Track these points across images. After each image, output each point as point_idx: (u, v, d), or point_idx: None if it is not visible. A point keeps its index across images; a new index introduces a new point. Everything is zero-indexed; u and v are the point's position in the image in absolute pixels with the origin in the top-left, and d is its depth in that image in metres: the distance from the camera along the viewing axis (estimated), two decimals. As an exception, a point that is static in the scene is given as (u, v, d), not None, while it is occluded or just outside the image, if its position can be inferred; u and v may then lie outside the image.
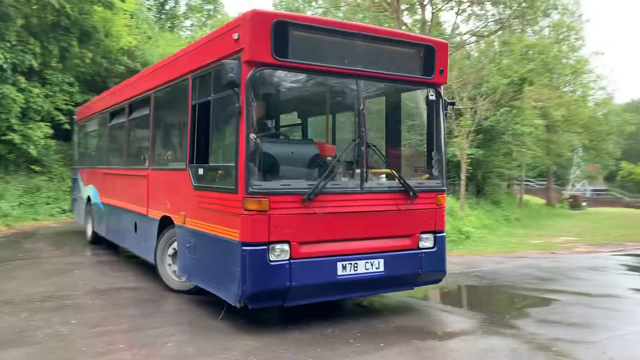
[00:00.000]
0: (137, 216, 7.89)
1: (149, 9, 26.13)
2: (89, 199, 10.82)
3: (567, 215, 28.50)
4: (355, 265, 5.47)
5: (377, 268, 5.57)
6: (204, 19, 32.68)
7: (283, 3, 27.06)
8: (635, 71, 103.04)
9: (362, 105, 5.52)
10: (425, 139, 6.33)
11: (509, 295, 7.30)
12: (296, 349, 4.73)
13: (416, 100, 6.53)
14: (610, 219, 25.62)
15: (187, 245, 6.15)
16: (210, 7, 32.99)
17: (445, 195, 6.14)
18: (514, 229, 20.98)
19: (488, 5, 20.22)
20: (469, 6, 17.32)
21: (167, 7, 30.93)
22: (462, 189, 19.71)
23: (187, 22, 32.89)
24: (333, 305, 6.27)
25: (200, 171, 5.97)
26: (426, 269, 5.91)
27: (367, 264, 5.52)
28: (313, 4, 25.35)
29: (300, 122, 8.37)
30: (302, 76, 5.56)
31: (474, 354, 4.71)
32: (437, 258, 6.02)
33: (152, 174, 7.50)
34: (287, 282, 5.10)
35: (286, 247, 5.13)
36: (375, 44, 5.67)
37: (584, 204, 38.20)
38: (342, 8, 22.96)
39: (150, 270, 7.55)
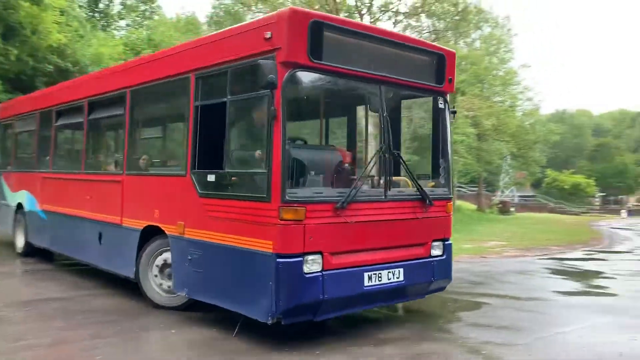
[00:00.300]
0: (103, 226, 7.30)
1: (80, 6, 25.10)
2: (19, 206, 10.04)
3: (497, 220, 29.63)
4: (380, 275, 5.34)
5: (397, 278, 5.48)
6: (139, 19, 31.72)
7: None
8: (559, 83, 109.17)
9: (385, 112, 5.42)
10: (431, 146, 6.29)
11: (442, 300, 7.48)
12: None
13: (424, 108, 6.51)
14: (536, 224, 26.88)
15: (189, 258, 5.72)
16: (147, 7, 32.08)
17: (452, 202, 6.18)
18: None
19: (423, 17, 20.82)
20: (405, 17, 17.76)
21: (100, 6, 29.80)
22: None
23: (122, 22, 31.81)
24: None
25: (211, 177, 5.56)
26: (437, 277, 5.91)
27: (389, 273, 5.41)
28: (253, 7, 25.19)
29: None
30: (330, 79, 5.32)
31: (409, 358, 4.79)
32: (446, 266, 6.05)
33: (128, 180, 6.93)
34: (320, 295, 4.87)
35: (319, 258, 4.89)
36: (398, 50, 5.64)
37: (512, 209, 39.86)
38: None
39: (90, 277, 7.19)
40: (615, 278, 9.93)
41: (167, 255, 6.20)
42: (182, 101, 6.05)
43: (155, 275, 6.36)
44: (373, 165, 5.47)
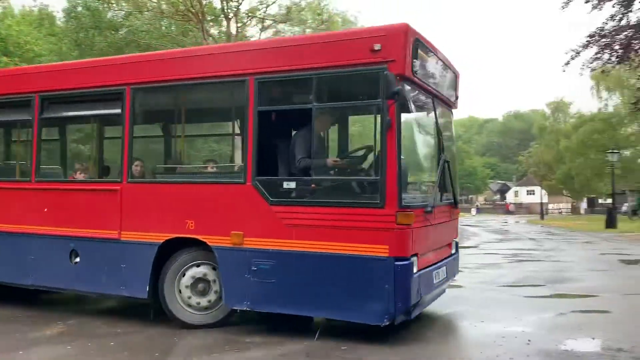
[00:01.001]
0: (79, 242, 6.42)
1: None
2: None
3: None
4: (438, 273, 5.90)
5: (444, 275, 6.12)
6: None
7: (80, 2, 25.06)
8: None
9: (439, 125, 5.97)
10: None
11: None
12: None
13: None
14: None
15: (253, 269, 5.51)
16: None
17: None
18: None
19: (287, 26, 21.26)
20: (272, 23, 18.03)
21: None
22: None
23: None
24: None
25: (289, 185, 5.55)
26: (454, 272, 6.72)
27: (441, 271, 5.99)
28: (114, 6, 24.00)
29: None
30: (414, 93, 5.54)
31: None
32: (457, 262, 6.92)
33: (131, 189, 6.24)
34: (419, 295, 5.26)
35: (416, 260, 5.22)
36: (443, 69, 6.24)
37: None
38: (145, 13, 22.13)
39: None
40: (462, 271, 10.91)
41: (199, 270, 5.91)
42: (230, 105, 6.11)
43: (180, 292, 5.93)
44: (441, 173, 5.89)
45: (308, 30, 25.55)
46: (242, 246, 5.59)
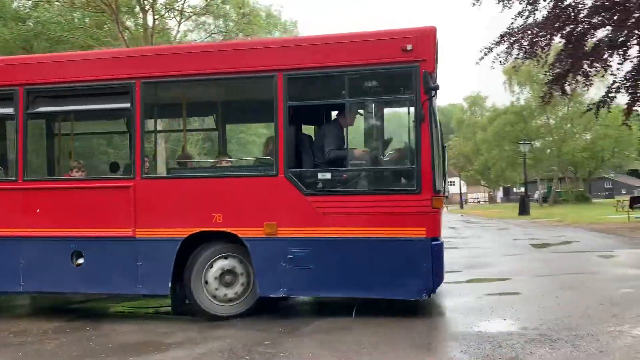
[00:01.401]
0: (83, 242, 6.17)
1: None
2: None
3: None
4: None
5: None
6: None
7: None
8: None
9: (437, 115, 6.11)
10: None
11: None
12: None
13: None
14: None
15: (289, 257, 5.77)
16: None
17: None
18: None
19: (211, 18, 20.87)
20: (190, 16, 17.60)
21: None
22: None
23: None
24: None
25: (324, 176, 5.87)
26: None
27: None
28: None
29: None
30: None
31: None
32: None
33: (145, 185, 6.15)
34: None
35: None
36: None
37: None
38: (55, 4, 20.95)
39: None
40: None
41: (227, 262, 6.04)
42: (263, 100, 6.15)
43: (207, 284, 6.02)
44: (443, 160, 6.23)
45: (230, 24, 25.22)
46: (277, 236, 5.82)
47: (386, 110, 6.68)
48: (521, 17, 16.67)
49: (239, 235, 5.91)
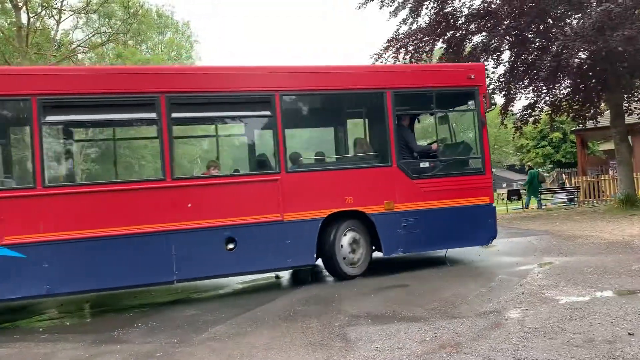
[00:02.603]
0: (236, 229, 7.24)
1: None
2: None
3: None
4: None
5: None
6: None
7: None
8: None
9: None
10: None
11: (118, 310, 7.30)
12: None
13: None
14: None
15: (403, 225, 7.99)
16: None
17: None
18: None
19: (96, 17, 19.77)
20: (71, 15, 16.59)
21: None
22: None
23: None
24: None
25: (424, 165, 8.29)
26: None
27: None
28: None
29: None
30: None
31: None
32: None
33: (290, 177, 7.60)
34: None
35: None
36: None
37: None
38: None
39: None
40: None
41: (353, 234, 7.91)
42: (376, 108, 8.19)
43: (342, 248, 7.82)
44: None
45: (117, 22, 24.06)
46: (393, 210, 7.99)
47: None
48: (405, 24, 17.54)
49: (366, 212, 7.90)
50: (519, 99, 18.01)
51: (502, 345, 4.46)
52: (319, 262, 8.08)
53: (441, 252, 9.66)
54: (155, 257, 7.00)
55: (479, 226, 8.41)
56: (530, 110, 17.84)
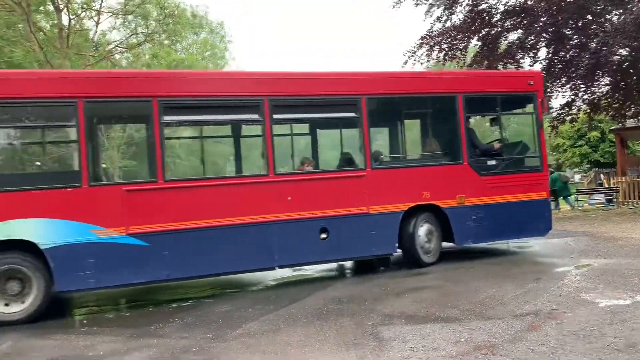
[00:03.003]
0: (329, 220, 7.95)
1: None
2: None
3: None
4: None
5: None
6: None
7: None
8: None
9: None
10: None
11: (155, 305, 7.44)
12: None
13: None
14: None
15: (473, 218, 8.78)
16: None
17: None
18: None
19: (131, 17, 20.17)
20: (110, 17, 16.98)
21: None
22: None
23: None
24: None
25: (491, 163, 9.01)
26: None
27: None
28: None
29: None
30: None
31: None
32: None
33: (375, 174, 8.32)
34: None
35: None
36: None
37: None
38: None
39: None
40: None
41: (428, 226, 8.62)
42: (449, 111, 8.89)
43: (427, 241, 8.60)
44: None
45: (153, 23, 24.52)
46: (464, 204, 8.72)
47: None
48: (439, 22, 17.35)
49: (441, 206, 8.63)
50: (556, 97, 17.59)
51: (540, 348, 4.39)
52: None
53: (476, 251, 9.54)
54: (260, 245, 7.65)
55: (538, 219, 9.24)
56: (567, 109, 17.44)
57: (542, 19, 15.57)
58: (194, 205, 7.36)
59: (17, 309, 6.57)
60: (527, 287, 6.75)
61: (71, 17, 14.67)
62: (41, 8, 14.73)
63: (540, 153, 9.39)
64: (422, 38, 17.41)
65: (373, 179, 8.29)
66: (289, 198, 7.79)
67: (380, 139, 10.04)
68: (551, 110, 17.48)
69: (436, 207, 8.61)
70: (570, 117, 17.78)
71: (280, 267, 7.92)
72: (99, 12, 15.23)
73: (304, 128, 9.99)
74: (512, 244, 10.46)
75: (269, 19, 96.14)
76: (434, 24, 17.48)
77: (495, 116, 9.37)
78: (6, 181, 7.10)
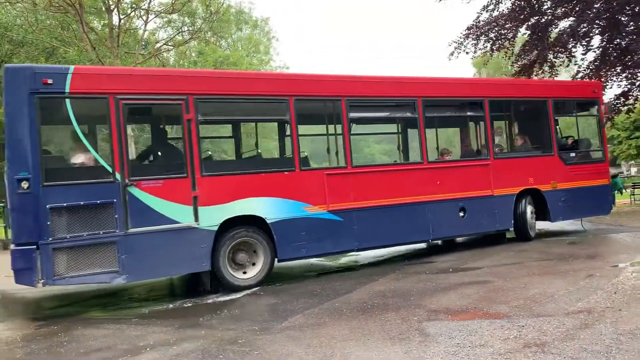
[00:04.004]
0: (466, 201, 9.78)
1: None
2: (238, 221, 7.77)
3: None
4: None
5: None
6: None
7: None
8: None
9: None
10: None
11: (203, 296, 7.59)
12: None
13: None
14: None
15: (562, 199, 10.86)
16: None
17: None
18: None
19: (176, 16, 20.52)
20: (156, 16, 17.36)
21: None
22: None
23: None
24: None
25: (572, 154, 11.24)
26: None
27: None
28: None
29: None
30: None
31: (167, 361, 4.78)
32: None
33: (496, 163, 10.34)
34: None
35: None
36: None
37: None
38: (18, 5, 20.41)
39: None
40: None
41: (531, 207, 10.66)
42: (542, 112, 11.04)
43: (526, 214, 10.54)
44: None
45: (199, 21, 25.00)
46: (557, 188, 10.83)
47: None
48: (486, 11, 16.93)
49: (541, 190, 10.67)
50: (611, 87, 16.87)
51: (593, 347, 4.23)
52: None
53: (527, 247, 9.27)
54: (420, 221, 9.32)
55: (603, 200, 11.50)
56: (623, 99, 16.70)
57: (595, 5, 14.94)
58: (373, 186, 8.93)
59: (250, 275, 7.88)
60: (580, 284, 6.52)
61: (121, 17, 15.11)
62: (93, 9, 15.22)
63: (603, 147, 11.88)
64: (468, 28, 17.06)
65: (495, 167, 10.26)
66: (438, 182, 9.53)
67: (496, 133, 11.93)
68: (605, 102, 17.24)
69: (537, 190, 10.62)
70: (626, 107, 17.03)
71: (433, 240, 9.75)
72: (147, 12, 15.61)
73: (444, 122, 11.57)
74: (565, 239, 10.25)
75: (317, 14, 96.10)
76: (481, 14, 17.08)
77: (574, 117, 11.80)
78: (240, 166, 8.94)
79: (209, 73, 9.59)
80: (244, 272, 7.87)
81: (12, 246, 6.62)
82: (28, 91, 6.64)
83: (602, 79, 16.21)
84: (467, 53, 17.00)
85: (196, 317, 6.33)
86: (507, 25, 16.52)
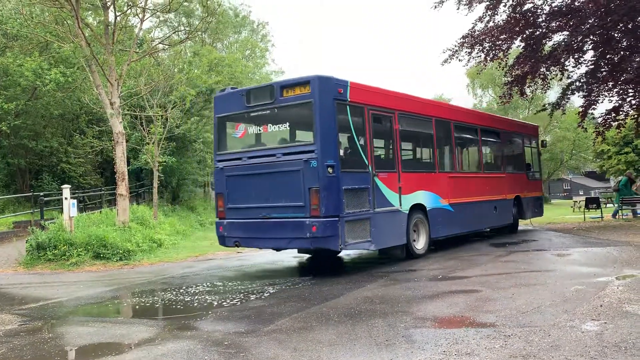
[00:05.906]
0: (497, 202, 13.87)
1: None
2: (415, 207, 10.52)
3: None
4: None
5: None
6: None
7: None
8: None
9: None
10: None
11: (192, 296, 7.56)
12: None
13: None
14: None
15: (529, 204, 15.83)
16: None
17: None
18: (208, 232, 21.86)
19: (173, 15, 20.49)
20: (152, 15, 17.30)
21: None
22: (155, 196, 19.57)
23: None
24: None
25: (530, 173, 16.41)
26: None
27: None
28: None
29: None
30: None
31: (151, 361, 4.74)
32: None
33: (507, 176, 14.70)
34: None
35: None
36: None
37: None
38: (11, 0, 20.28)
39: None
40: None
41: (516, 208, 15.23)
42: (518, 141, 16.14)
43: (517, 216, 15.37)
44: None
45: (196, 22, 24.97)
46: (526, 196, 15.60)
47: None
48: (481, 21, 17.04)
49: (521, 196, 15.31)
50: (602, 102, 17.23)
51: (578, 359, 4.25)
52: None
53: (515, 258, 9.31)
54: (466, 217, 12.31)
55: (540, 206, 17.09)
56: (613, 114, 16.87)
57: (589, 21, 15.10)
58: (467, 187, 12.73)
59: (420, 247, 10.65)
60: (566, 296, 6.56)
61: (117, 14, 15.04)
62: (90, 5, 15.10)
63: (540, 169, 17.21)
64: (463, 37, 17.15)
65: (506, 179, 14.53)
66: (488, 187, 13.58)
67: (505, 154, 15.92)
68: (595, 117, 18.47)
69: (519, 197, 15.11)
70: (616, 122, 17.20)
71: (490, 230, 14.51)
72: (144, 9, 15.55)
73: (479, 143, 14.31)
74: (552, 252, 10.27)
75: (316, 22, 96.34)
76: (476, 24, 17.19)
77: (533, 147, 16.68)
78: (410, 167, 11.26)
79: (406, 96, 11.24)
80: (420, 242, 10.77)
81: (319, 219, 8.28)
82: (333, 97, 8.59)
83: (594, 94, 16.40)
84: (460, 60, 17.13)
85: (183, 318, 6.29)
86: (501, 37, 16.63)
